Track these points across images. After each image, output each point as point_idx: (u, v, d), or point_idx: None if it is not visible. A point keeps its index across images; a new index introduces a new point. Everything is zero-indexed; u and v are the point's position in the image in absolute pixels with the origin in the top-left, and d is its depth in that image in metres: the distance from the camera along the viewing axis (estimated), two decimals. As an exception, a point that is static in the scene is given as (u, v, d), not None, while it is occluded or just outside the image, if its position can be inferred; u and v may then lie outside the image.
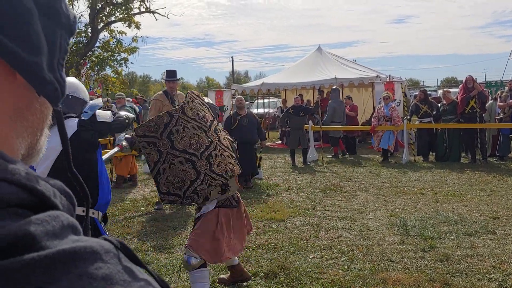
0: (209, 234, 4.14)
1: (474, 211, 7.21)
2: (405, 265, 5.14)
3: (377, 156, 12.90)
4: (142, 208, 8.14)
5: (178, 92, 8.25)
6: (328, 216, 7.17)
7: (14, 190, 0.44)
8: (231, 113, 10.36)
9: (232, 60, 57.68)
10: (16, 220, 0.42)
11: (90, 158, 3.28)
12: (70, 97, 3.25)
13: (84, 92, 3.42)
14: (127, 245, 0.48)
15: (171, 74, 8.07)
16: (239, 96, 11.25)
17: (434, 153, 12.53)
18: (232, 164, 3.92)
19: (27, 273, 0.39)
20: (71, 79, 3.42)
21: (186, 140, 3.74)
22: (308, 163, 12.36)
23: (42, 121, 0.58)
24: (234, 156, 4.02)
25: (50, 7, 0.54)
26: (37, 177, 0.47)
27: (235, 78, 62.03)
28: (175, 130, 3.76)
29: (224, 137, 3.99)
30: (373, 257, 5.38)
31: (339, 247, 5.74)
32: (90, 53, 26.04)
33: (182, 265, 4.39)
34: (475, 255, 5.34)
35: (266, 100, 20.96)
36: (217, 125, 3.97)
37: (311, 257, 5.43)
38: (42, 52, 0.52)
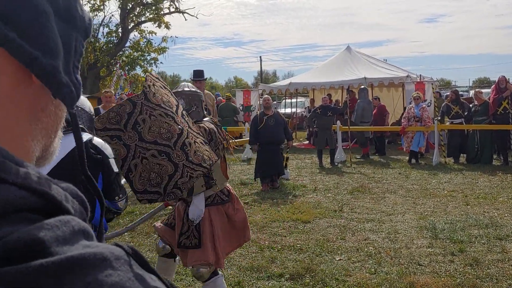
0: (208, 237, 3.92)
1: (506, 215, 7.03)
2: (433, 269, 5.05)
3: (407, 158, 12.71)
4: (170, 207, 8.19)
5: (206, 91, 8.31)
6: (356, 218, 7.10)
7: (24, 195, 0.43)
8: (258, 113, 10.35)
9: (261, 60, 57.76)
10: (26, 225, 0.41)
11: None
12: (80, 108, 3.13)
13: (90, 108, 3.32)
14: (138, 252, 0.47)
15: (198, 74, 8.13)
16: (266, 95, 11.24)
17: (465, 155, 12.30)
18: (208, 151, 3.50)
19: (34, 279, 0.38)
20: None
21: (155, 130, 3.32)
22: (336, 163, 12.26)
23: (57, 123, 0.58)
24: (207, 142, 3.60)
25: (65, 9, 0.54)
26: (49, 181, 0.46)
27: (263, 77, 62.06)
28: (141, 119, 3.33)
29: (192, 123, 3.55)
30: (401, 260, 5.31)
31: (366, 249, 5.67)
32: (120, 53, 26.41)
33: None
34: (506, 259, 5.21)
35: (293, 100, 20.89)
36: (183, 110, 3.51)
37: (337, 259, 5.39)
38: (59, 55, 0.52)
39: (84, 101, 3.21)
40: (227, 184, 4.17)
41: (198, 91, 4.15)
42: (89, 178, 0.60)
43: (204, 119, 3.96)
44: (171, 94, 3.52)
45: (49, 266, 0.39)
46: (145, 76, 3.56)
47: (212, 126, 3.86)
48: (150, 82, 3.42)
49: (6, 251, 0.39)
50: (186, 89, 4.01)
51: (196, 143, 3.44)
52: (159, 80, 3.53)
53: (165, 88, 3.51)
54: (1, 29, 0.47)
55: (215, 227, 3.95)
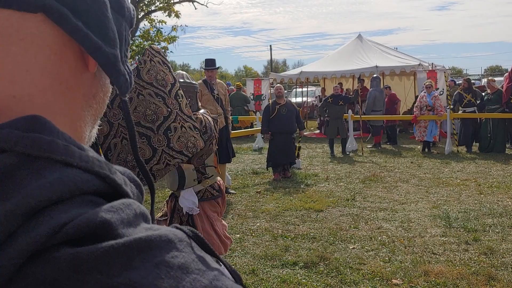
0: (208, 231, 3.90)
1: (521, 204, 7.00)
2: (448, 257, 5.05)
3: (419, 146, 12.66)
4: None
5: (218, 80, 8.30)
6: (368, 207, 7.09)
7: (88, 178, 0.44)
8: (270, 102, 10.33)
9: (271, 49, 57.54)
10: (92, 207, 0.42)
11: None
12: None
13: None
14: (199, 234, 0.48)
15: (209, 63, 8.12)
16: (278, 85, 11.20)
17: (477, 144, 12.22)
18: (195, 137, 3.32)
19: (105, 260, 0.39)
20: None
21: (140, 110, 3.18)
22: (347, 153, 12.24)
23: (102, 110, 0.59)
24: (198, 127, 3.44)
25: (116, 0, 0.55)
26: (108, 165, 0.47)
27: (273, 66, 61.86)
28: (128, 98, 3.14)
29: (186, 104, 3.40)
30: (415, 249, 5.30)
31: (379, 238, 5.68)
32: (130, 42, 26.40)
33: None
34: (522, 249, 5.19)
35: (304, 89, 20.82)
36: (179, 89, 3.34)
37: (351, 247, 5.39)
38: (117, 45, 0.53)
39: None
40: (219, 179, 4.11)
41: (194, 82, 4.02)
42: (141, 164, 0.61)
43: (200, 111, 3.84)
44: (170, 71, 3.33)
45: (119, 248, 0.39)
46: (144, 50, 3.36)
47: (210, 118, 3.76)
48: (148, 57, 3.27)
49: (76, 232, 0.39)
50: (181, 80, 3.86)
51: (183, 128, 3.28)
52: (160, 54, 3.35)
53: (164, 64, 3.32)
54: (70, 18, 0.48)
55: (213, 219, 3.94)
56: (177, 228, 0.46)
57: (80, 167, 0.44)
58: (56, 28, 0.48)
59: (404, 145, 13.59)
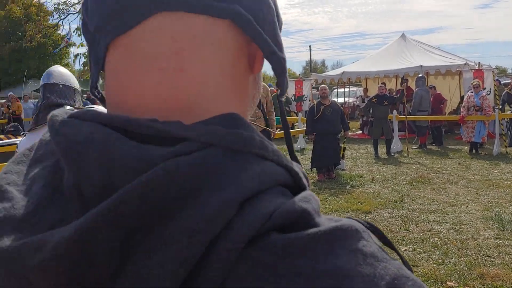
0: None
1: None
2: (503, 260, 4.93)
3: (465, 147, 12.38)
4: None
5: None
6: (418, 208, 6.99)
7: (280, 171, 0.47)
8: (315, 102, 10.29)
9: (310, 49, 57.33)
10: (286, 198, 0.45)
11: None
12: (61, 86, 2.96)
13: (74, 81, 3.10)
14: (374, 225, 0.50)
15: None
16: (323, 85, 11.14)
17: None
18: None
19: (312, 246, 0.42)
20: (61, 69, 3.10)
21: None
22: (392, 154, 12.08)
23: (253, 110, 0.63)
24: None
25: (275, 6, 0.58)
26: (288, 159, 0.50)
27: (311, 67, 61.55)
28: None
29: None
30: (468, 251, 5.20)
31: (431, 240, 5.59)
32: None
33: None
34: None
35: (345, 89, 20.67)
36: None
37: (402, 249, 5.33)
38: (283, 49, 0.57)
39: (69, 77, 3.06)
40: None
41: None
42: (296, 160, 0.64)
43: None
44: None
45: (322, 235, 0.42)
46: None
47: None
48: None
49: (282, 220, 0.43)
50: None
51: None
52: None
53: None
54: (255, 24, 0.52)
55: None
56: (353, 219, 0.49)
57: (273, 160, 0.47)
58: (236, 33, 0.53)
59: (450, 146, 13.31)
